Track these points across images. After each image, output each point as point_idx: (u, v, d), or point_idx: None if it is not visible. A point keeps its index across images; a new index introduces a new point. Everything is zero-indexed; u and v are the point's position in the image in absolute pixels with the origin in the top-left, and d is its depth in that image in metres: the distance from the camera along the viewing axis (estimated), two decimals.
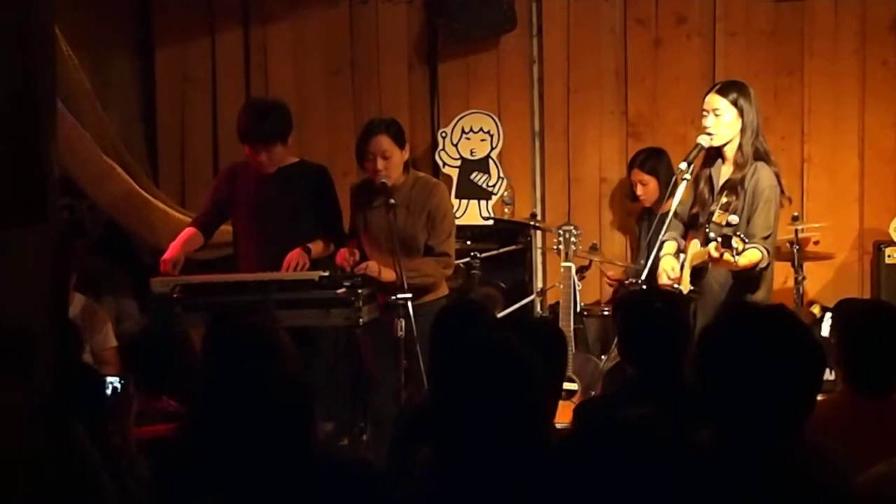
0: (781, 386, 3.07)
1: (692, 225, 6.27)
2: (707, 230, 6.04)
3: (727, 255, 5.61)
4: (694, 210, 6.27)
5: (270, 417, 3.19)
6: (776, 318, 3.20)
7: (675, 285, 6.06)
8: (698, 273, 6.09)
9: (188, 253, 6.60)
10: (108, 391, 4.28)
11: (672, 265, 6.14)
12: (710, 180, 6.18)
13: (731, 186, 6.02)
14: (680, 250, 6.23)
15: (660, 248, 6.22)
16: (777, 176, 6.03)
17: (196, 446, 3.27)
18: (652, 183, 7.80)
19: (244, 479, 3.20)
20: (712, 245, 5.69)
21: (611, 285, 8.10)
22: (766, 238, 5.89)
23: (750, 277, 5.93)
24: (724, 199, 6.01)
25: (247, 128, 6.52)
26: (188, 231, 6.70)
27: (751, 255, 5.76)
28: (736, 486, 3.03)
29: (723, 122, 6.04)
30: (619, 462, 2.64)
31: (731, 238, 5.59)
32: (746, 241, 5.65)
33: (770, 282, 6.09)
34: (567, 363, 4.59)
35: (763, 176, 5.98)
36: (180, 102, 8.80)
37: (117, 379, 4.35)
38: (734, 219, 5.92)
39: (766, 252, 5.84)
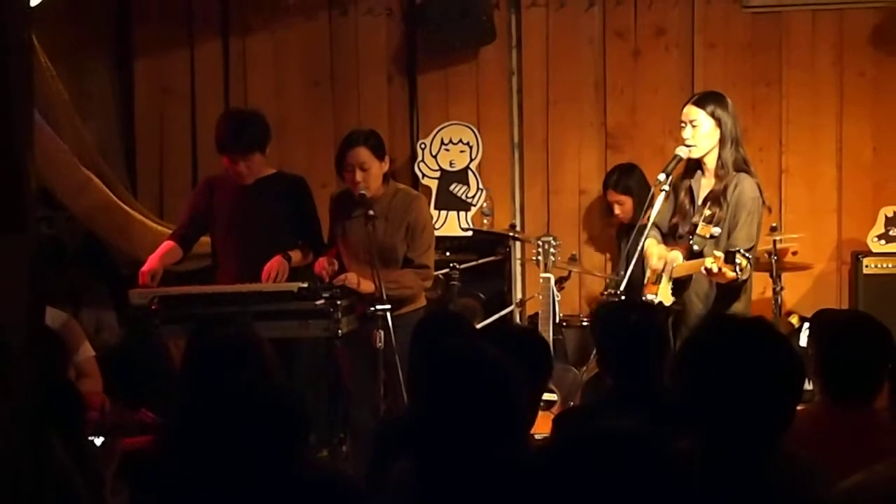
0: (761, 397, 3.08)
1: (671, 235, 6.27)
2: (690, 242, 6.05)
3: (727, 271, 5.61)
4: (674, 221, 6.27)
5: (258, 430, 3.18)
6: (756, 330, 3.21)
7: (649, 294, 6.05)
8: (680, 285, 6.10)
9: (167, 266, 6.58)
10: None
11: (660, 251, 6.14)
12: (689, 191, 6.19)
13: (714, 198, 6.03)
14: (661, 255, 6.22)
15: (640, 257, 6.22)
16: (759, 186, 6.05)
17: (176, 458, 3.25)
18: (628, 202, 7.83)
19: (225, 492, 3.19)
20: (710, 259, 5.70)
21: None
22: (748, 249, 5.90)
23: (731, 289, 5.94)
24: (707, 212, 6.02)
25: (224, 138, 6.51)
26: (167, 244, 6.69)
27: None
28: (715, 495, 3.03)
29: (700, 134, 6.05)
30: (600, 473, 2.64)
31: (735, 254, 5.59)
32: (748, 257, 5.65)
33: (749, 293, 6.11)
34: (551, 371, 4.57)
35: (746, 188, 5.99)
36: (159, 114, 8.78)
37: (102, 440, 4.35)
38: (717, 231, 5.94)
39: (747, 264, 5.85)
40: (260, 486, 3.18)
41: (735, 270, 5.62)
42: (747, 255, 5.65)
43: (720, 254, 5.68)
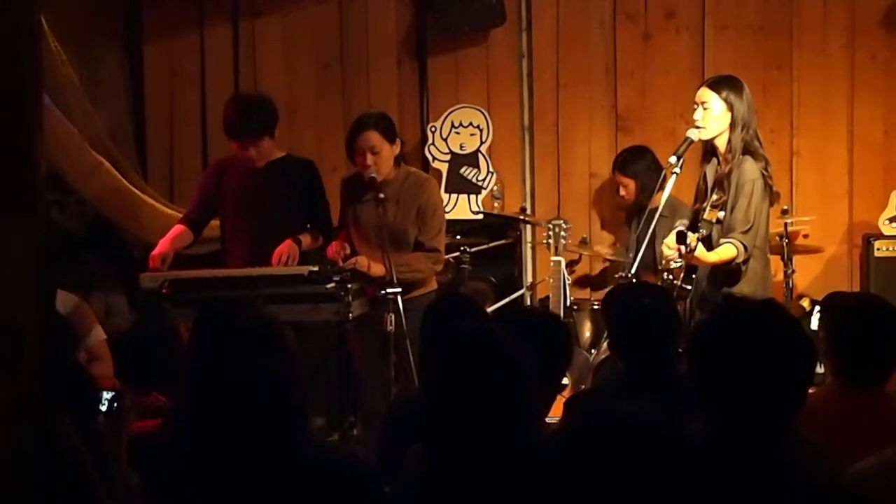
0: (773, 380, 3.09)
1: (695, 221, 6.26)
2: (699, 226, 6.04)
3: (682, 250, 5.62)
4: (695, 206, 6.27)
5: (258, 413, 3.17)
6: (768, 313, 3.21)
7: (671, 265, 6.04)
8: (692, 269, 6.09)
9: (177, 249, 6.58)
10: (104, 407, 4.27)
11: (671, 241, 6.14)
12: (704, 176, 6.19)
13: (719, 182, 6.02)
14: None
15: (652, 239, 6.22)
16: (764, 170, 6.01)
17: (184, 442, 3.25)
18: (631, 185, 7.81)
19: (234, 476, 3.18)
20: (670, 239, 5.73)
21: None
22: (745, 232, 5.88)
23: (726, 271, 5.93)
24: (714, 196, 6.01)
25: (232, 123, 6.51)
26: (177, 228, 6.69)
27: (722, 252, 5.77)
28: (727, 478, 3.04)
29: (711, 116, 6.03)
30: (612, 456, 2.64)
31: (685, 234, 5.60)
32: (702, 237, 5.65)
33: (759, 276, 6.05)
34: (571, 355, 4.54)
35: (746, 169, 5.97)
36: (169, 97, 8.79)
37: (113, 394, 4.33)
38: (723, 214, 5.93)
39: (741, 246, 5.83)
40: (270, 468, 3.18)
41: (685, 250, 5.61)
42: (700, 234, 5.65)
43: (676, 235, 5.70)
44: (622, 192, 7.92)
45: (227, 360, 3.29)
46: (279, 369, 3.33)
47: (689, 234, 5.61)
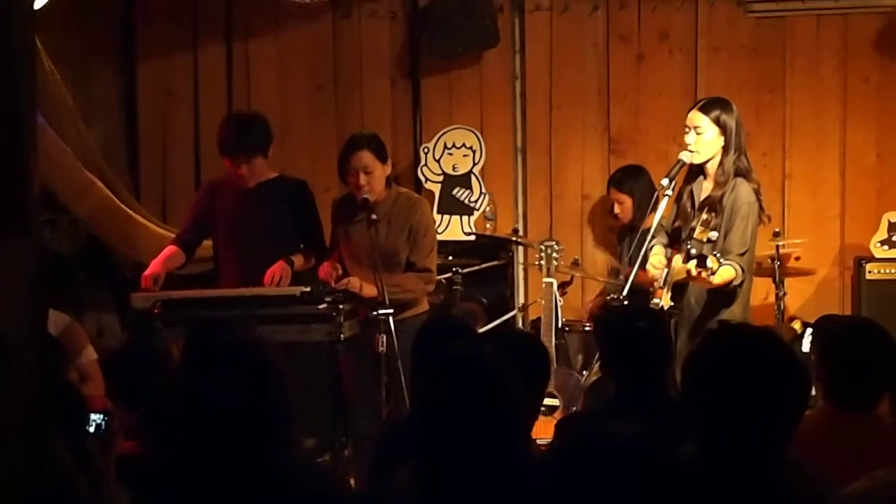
0: (766, 407, 3.10)
1: (676, 239, 6.27)
2: (688, 246, 6.04)
3: (704, 274, 5.62)
4: (676, 225, 6.27)
5: (239, 435, 3.16)
6: (763, 341, 3.22)
7: (656, 299, 6.04)
8: (679, 289, 6.09)
9: (169, 270, 6.58)
10: (93, 428, 4.26)
11: (659, 259, 6.14)
12: (691, 196, 6.19)
13: (711, 203, 6.01)
14: (667, 257, 6.21)
15: (644, 260, 6.22)
16: (757, 192, 6.03)
17: (166, 462, 3.24)
18: (627, 202, 7.82)
19: (217, 496, 3.17)
20: (691, 263, 5.70)
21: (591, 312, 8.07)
22: (741, 255, 5.89)
23: (724, 293, 5.93)
24: (704, 216, 6.00)
25: (227, 140, 6.52)
26: (170, 248, 6.69)
27: (725, 274, 5.76)
28: (718, 501, 3.03)
29: (704, 140, 6.03)
30: (603, 479, 2.64)
31: (706, 258, 5.59)
32: (722, 260, 5.65)
33: (747, 297, 6.08)
34: (549, 376, 4.56)
35: (741, 192, 5.98)
36: (162, 117, 8.80)
37: (101, 416, 4.33)
38: (714, 235, 5.93)
39: (739, 269, 5.84)
40: (252, 491, 3.17)
41: (707, 274, 5.60)
42: (720, 256, 5.64)
43: (697, 260, 5.69)
44: (617, 209, 7.92)
45: (209, 380, 3.28)
46: (264, 391, 3.32)
47: (710, 256, 5.60)
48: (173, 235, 6.98)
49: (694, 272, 5.64)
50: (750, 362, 3.12)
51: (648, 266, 6.13)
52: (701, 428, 3.16)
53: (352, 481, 5.81)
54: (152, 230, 7.86)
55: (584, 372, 7.00)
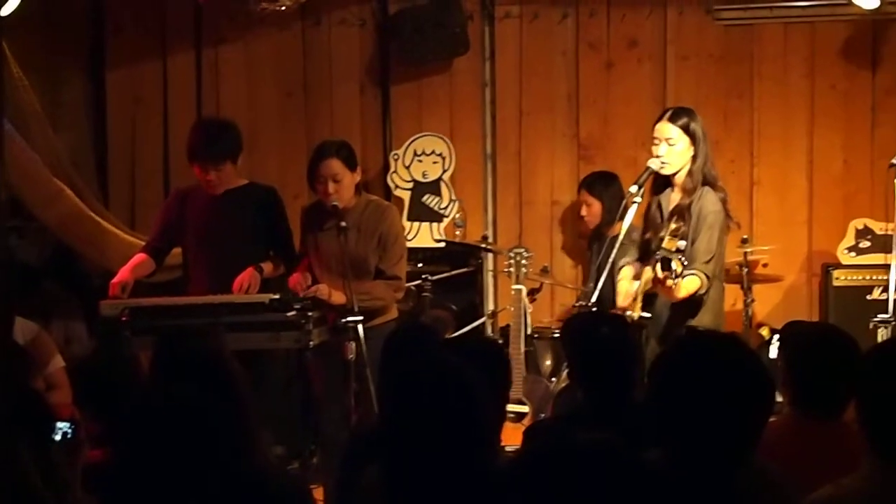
0: (731, 414, 3.11)
1: (646, 250, 6.28)
2: (657, 256, 6.05)
3: (669, 280, 5.62)
4: (647, 236, 6.28)
5: (199, 443, 3.16)
6: (727, 348, 3.23)
7: (627, 312, 6.06)
8: (651, 298, 6.10)
9: (138, 278, 6.56)
10: (59, 437, 4.24)
11: (626, 289, 6.15)
12: (659, 207, 6.20)
13: (680, 212, 6.03)
14: (636, 276, 6.22)
15: (615, 272, 6.23)
16: (724, 201, 6.05)
17: (129, 470, 3.23)
18: (595, 206, 7.84)
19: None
20: (657, 266, 5.71)
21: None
22: (706, 262, 5.90)
23: (690, 301, 5.94)
24: (673, 225, 6.01)
25: (196, 146, 6.51)
26: (139, 256, 6.67)
27: (689, 286, 5.76)
28: None
29: (676, 151, 6.04)
30: (570, 485, 2.65)
31: (670, 260, 5.60)
32: (686, 269, 5.65)
33: (717, 306, 6.09)
34: (510, 383, 4.57)
35: (708, 201, 5.99)
36: (131, 124, 8.78)
37: (68, 424, 4.31)
38: (683, 244, 5.94)
39: (704, 277, 5.84)
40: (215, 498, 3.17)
41: (672, 276, 5.60)
42: (684, 260, 5.64)
43: (661, 262, 5.69)
44: (584, 212, 7.94)
45: (177, 389, 3.28)
46: (232, 399, 3.33)
47: (675, 260, 5.60)
48: (142, 243, 6.97)
49: (660, 275, 5.64)
50: (713, 368, 3.13)
51: (618, 293, 6.16)
52: (666, 434, 3.17)
53: (320, 489, 5.80)
54: (121, 237, 7.84)
55: (553, 379, 7.02)
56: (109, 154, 8.76)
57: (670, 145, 6.04)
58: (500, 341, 7.08)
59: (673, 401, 3.16)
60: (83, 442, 4.38)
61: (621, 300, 6.15)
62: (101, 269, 7.60)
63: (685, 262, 5.62)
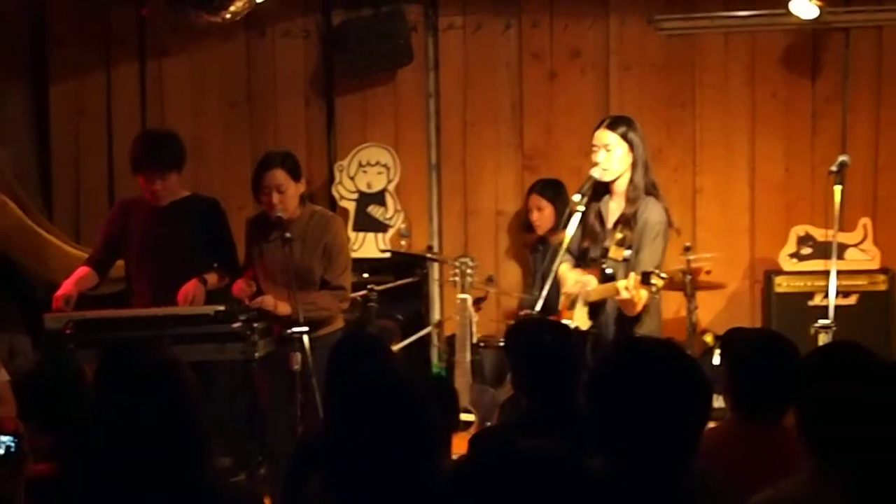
0: (669, 419, 3.12)
1: (583, 259, 6.31)
2: (603, 266, 6.09)
3: (643, 292, 5.65)
4: (585, 244, 6.31)
5: (150, 454, 3.16)
6: (664, 353, 3.26)
7: (574, 324, 6.07)
8: (596, 309, 6.13)
9: (82, 291, 6.53)
10: (2, 451, 4.22)
11: (576, 277, 6.17)
12: (599, 215, 6.24)
13: (625, 221, 6.08)
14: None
15: (555, 278, 6.25)
16: (667, 211, 6.11)
17: (75, 484, 3.23)
18: (548, 209, 7.88)
19: None
20: (629, 281, 5.72)
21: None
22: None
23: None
24: (618, 235, 6.06)
25: (140, 157, 6.50)
26: (82, 269, 6.65)
27: (644, 296, 5.81)
28: None
29: (614, 157, 6.10)
30: (514, 493, 2.66)
31: (650, 275, 5.64)
32: (665, 276, 5.69)
33: (657, 312, 6.16)
34: (458, 419, 4.59)
35: (652, 212, 6.05)
36: (75, 136, 8.74)
37: (11, 438, 4.29)
38: (628, 253, 5.99)
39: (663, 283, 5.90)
40: None
41: (651, 290, 5.65)
42: (662, 275, 5.69)
43: (636, 275, 5.72)
44: (535, 216, 7.96)
45: (123, 401, 3.27)
46: (178, 411, 3.32)
47: (653, 274, 5.64)
48: (86, 255, 6.94)
49: (626, 294, 5.67)
50: (650, 375, 3.15)
51: (567, 283, 6.18)
52: (606, 441, 3.20)
53: (267, 500, 5.79)
54: (65, 250, 7.81)
55: (499, 387, 7.04)
56: (53, 166, 8.72)
57: (608, 151, 6.10)
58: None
59: (610, 407, 3.18)
60: (27, 456, 4.36)
61: (570, 285, 6.16)
62: (45, 281, 7.56)
63: (664, 277, 5.67)
